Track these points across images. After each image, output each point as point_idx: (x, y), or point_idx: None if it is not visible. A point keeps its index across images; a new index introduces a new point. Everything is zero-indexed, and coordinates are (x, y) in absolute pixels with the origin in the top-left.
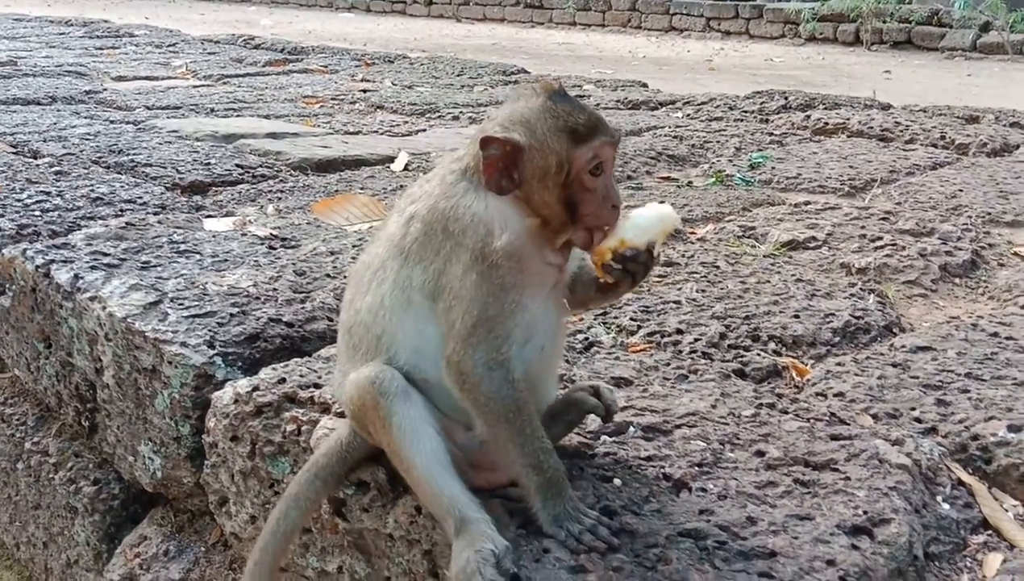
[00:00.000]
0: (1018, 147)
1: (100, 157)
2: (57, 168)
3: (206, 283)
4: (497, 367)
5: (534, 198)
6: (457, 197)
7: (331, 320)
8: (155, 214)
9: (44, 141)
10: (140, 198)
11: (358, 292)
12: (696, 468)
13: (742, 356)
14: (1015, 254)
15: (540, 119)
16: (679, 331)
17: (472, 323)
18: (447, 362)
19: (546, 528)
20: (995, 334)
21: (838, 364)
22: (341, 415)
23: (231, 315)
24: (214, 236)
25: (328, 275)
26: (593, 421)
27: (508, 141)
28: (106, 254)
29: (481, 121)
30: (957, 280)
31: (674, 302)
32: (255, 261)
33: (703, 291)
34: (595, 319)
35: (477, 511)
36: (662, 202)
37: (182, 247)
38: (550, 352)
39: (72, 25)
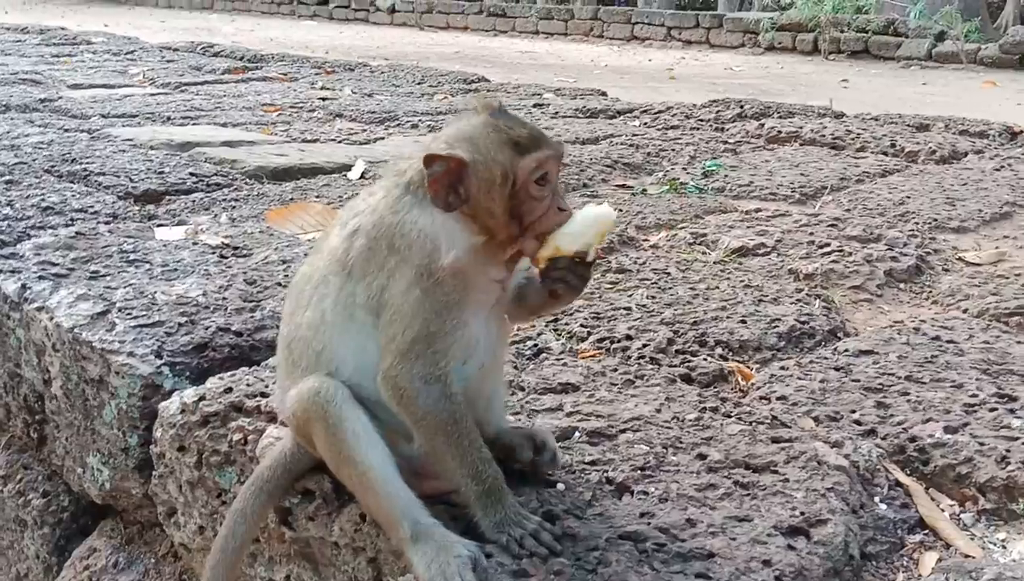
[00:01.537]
0: (966, 154)
1: (52, 166)
2: (8, 177)
3: (155, 293)
4: (434, 382)
5: (480, 212)
6: (403, 212)
7: None
8: (106, 223)
9: None
10: (91, 207)
11: (299, 305)
12: (639, 472)
13: (689, 361)
14: (959, 259)
15: (483, 134)
16: (628, 337)
17: (412, 338)
18: (383, 376)
19: (488, 534)
20: (936, 338)
21: (782, 368)
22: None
23: (179, 325)
24: (165, 245)
25: (279, 284)
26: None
27: (452, 157)
28: (55, 264)
29: (440, 129)
30: (902, 285)
31: (624, 308)
32: (205, 270)
33: (653, 297)
34: (546, 326)
35: (429, 517)
36: (599, 203)
37: (132, 257)
38: (490, 369)
39: (28, 32)
